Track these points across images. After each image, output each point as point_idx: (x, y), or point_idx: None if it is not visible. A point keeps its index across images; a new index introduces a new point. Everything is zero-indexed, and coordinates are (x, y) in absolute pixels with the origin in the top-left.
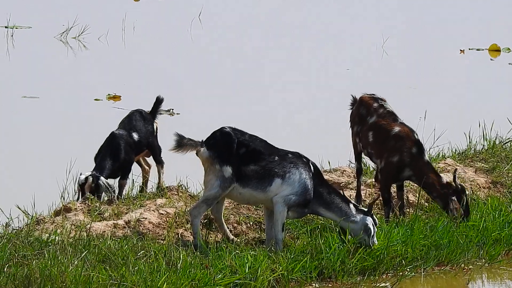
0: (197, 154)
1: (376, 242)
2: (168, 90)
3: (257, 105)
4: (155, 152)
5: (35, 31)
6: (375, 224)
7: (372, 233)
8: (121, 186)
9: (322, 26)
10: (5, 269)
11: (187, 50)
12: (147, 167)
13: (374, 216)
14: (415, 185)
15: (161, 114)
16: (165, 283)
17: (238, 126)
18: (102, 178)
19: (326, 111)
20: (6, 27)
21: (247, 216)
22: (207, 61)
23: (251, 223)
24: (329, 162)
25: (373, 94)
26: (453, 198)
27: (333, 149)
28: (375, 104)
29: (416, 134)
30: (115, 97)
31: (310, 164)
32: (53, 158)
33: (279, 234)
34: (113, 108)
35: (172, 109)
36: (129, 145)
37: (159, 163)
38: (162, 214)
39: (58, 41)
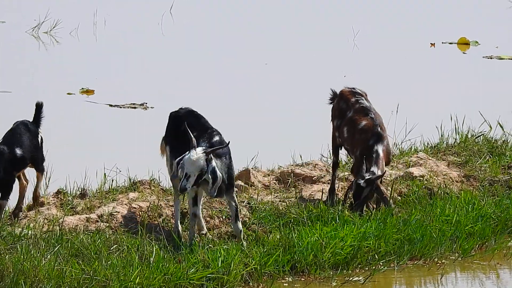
0: None
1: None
2: (140, 84)
3: (228, 99)
4: (38, 162)
5: (6, 26)
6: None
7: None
8: (0, 207)
9: (294, 20)
10: None
11: (159, 44)
12: (25, 182)
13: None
14: (388, 178)
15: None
16: (138, 277)
17: (211, 118)
18: None
19: (298, 105)
20: None
21: (219, 210)
22: (179, 54)
23: (224, 217)
24: (300, 156)
25: (353, 88)
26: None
27: (305, 143)
28: (353, 99)
29: (379, 126)
30: (88, 91)
31: (218, 135)
32: None
33: (190, 209)
34: (86, 102)
35: (146, 103)
36: (10, 162)
37: (40, 170)
38: (135, 208)
39: (30, 36)
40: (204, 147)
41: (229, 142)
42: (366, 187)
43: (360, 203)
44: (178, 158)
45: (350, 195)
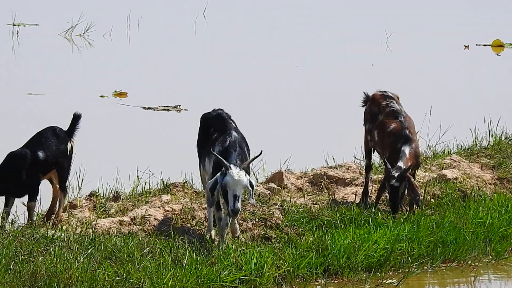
0: None
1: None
2: (173, 87)
3: (260, 101)
4: (62, 174)
5: (40, 29)
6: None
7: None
8: (29, 209)
9: (326, 22)
10: (11, 266)
11: (192, 47)
12: (58, 185)
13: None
14: (421, 180)
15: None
16: (171, 280)
17: (244, 121)
18: None
19: (331, 107)
20: (13, 24)
21: (252, 212)
22: (212, 57)
23: (257, 220)
24: (333, 158)
25: (385, 92)
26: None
27: (338, 145)
28: (384, 103)
29: (407, 129)
30: (121, 94)
31: (229, 138)
32: None
33: (215, 213)
34: (119, 105)
35: (179, 105)
36: (31, 165)
37: (63, 190)
38: (168, 210)
39: (63, 39)
40: (237, 164)
41: (261, 151)
42: (400, 185)
43: (399, 202)
44: (211, 183)
45: (383, 196)
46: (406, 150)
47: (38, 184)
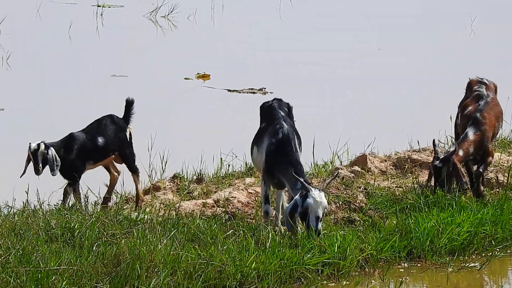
0: None
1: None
2: (258, 69)
3: (347, 84)
4: (129, 161)
5: (124, 10)
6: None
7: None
8: (65, 193)
9: (410, 5)
10: (94, 248)
11: (276, 30)
12: (116, 174)
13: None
14: (504, 164)
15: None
16: (254, 262)
17: (328, 104)
18: (52, 149)
19: (415, 90)
20: (98, 5)
21: (336, 195)
22: (297, 40)
23: (341, 203)
24: (418, 142)
25: (482, 79)
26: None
27: (422, 129)
28: (474, 87)
29: (479, 112)
30: (205, 76)
31: (281, 130)
32: (142, 137)
33: (263, 207)
34: (204, 87)
35: (264, 88)
36: (86, 149)
37: (134, 172)
38: (251, 193)
39: (147, 20)
40: (316, 186)
41: (338, 172)
42: (443, 166)
43: (442, 183)
44: (290, 207)
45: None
46: (470, 132)
47: (81, 170)
